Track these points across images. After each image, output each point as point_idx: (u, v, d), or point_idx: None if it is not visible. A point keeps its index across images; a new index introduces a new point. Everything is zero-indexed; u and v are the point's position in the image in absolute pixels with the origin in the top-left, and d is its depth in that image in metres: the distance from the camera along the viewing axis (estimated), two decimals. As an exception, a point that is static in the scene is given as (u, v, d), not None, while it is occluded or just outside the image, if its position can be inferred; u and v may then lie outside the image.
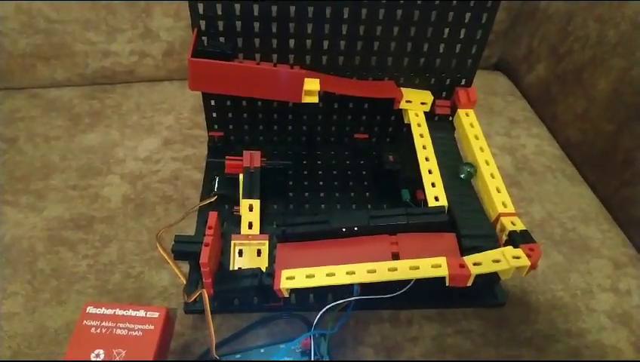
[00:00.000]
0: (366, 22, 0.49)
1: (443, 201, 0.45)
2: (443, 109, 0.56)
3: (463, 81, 0.55)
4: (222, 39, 0.49)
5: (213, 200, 0.51)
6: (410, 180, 0.52)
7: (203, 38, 0.49)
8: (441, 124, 0.55)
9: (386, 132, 0.60)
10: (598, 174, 0.60)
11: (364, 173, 0.58)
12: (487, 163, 0.49)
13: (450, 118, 0.56)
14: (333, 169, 0.58)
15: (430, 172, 0.48)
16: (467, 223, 0.44)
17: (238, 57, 0.50)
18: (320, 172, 0.58)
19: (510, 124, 0.68)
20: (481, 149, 0.51)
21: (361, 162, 0.59)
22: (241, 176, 0.50)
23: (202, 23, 0.48)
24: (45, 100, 0.65)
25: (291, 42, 0.50)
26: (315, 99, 0.49)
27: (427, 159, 0.49)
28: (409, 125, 0.53)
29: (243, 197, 0.48)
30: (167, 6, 0.63)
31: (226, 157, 0.52)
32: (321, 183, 0.56)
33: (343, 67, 0.52)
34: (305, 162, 0.58)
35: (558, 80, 0.66)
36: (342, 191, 0.56)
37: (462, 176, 0.49)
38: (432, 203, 0.45)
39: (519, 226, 0.44)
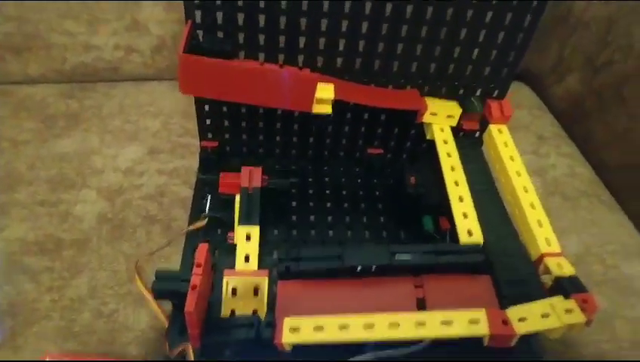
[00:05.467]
0: (390, 20, 0.42)
1: (478, 237, 0.38)
2: (471, 124, 0.49)
3: (495, 92, 0.48)
4: (220, 34, 0.42)
5: (203, 223, 0.43)
6: (432, 205, 0.45)
7: (198, 32, 0.42)
8: (470, 141, 0.48)
9: (404, 147, 0.53)
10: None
11: (377, 193, 0.51)
12: (525, 190, 0.42)
13: (478, 134, 0.49)
14: (343, 188, 0.51)
15: (461, 199, 0.41)
16: (506, 264, 0.38)
17: (238, 56, 0.43)
18: (328, 191, 0.50)
19: (538, 141, 0.61)
20: (518, 173, 0.44)
21: (375, 181, 0.52)
22: (237, 197, 0.42)
23: (198, 14, 0.41)
24: (16, 98, 0.58)
25: (302, 40, 0.43)
26: (327, 109, 0.42)
27: (457, 183, 0.42)
28: (432, 141, 0.47)
29: (239, 223, 0.40)
30: (158, -6, 0.56)
31: (221, 173, 0.44)
32: (329, 205, 0.49)
33: (360, 72, 0.45)
34: (311, 180, 0.51)
35: (594, 94, 0.60)
36: (353, 214, 0.48)
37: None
38: (464, 238, 0.38)
39: (568, 270, 0.37)
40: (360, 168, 0.53)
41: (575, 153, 0.61)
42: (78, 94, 0.59)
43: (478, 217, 0.40)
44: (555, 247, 0.39)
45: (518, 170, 0.44)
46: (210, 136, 0.50)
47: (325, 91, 0.41)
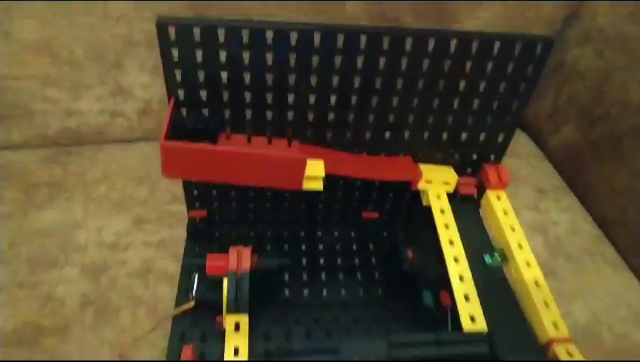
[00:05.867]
0: (381, 92, 0.40)
1: (481, 324, 0.36)
2: (468, 188, 0.47)
3: (492, 156, 0.47)
4: (205, 111, 0.40)
5: (190, 306, 0.41)
6: (431, 279, 0.43)
7: (182, 108, 0.40)
8: (468, 209, 0.46)
9: (399, 210, 0.51)
10: (646, 261, 0.52)
11: (373, 261, 0.49)
12: (528, 265, 0.40)
13: (475, 197, 0.48)
14: (338, 256, 0.49)
15: (462, 279, 0.39)
16: (512, 353, 0.35)
17: (224, 130, 0.41)
18: (322, 260, 0.48)
19: (538, 195, 0.60)
20: (520, 246, 0.42)
21: (371, 247, 0.50)
22: (225, 282, 0.40)
23: (181, 92, 0.39)
24: (-3, 166, 0.56)
25: (290, 114, 0.41)
26: (319, 186, 0.40)
27: (456, 260, 0.40)
28: (429, 208, 0.45)
29: (227, 312, 0.38)
30: (143, 60, 0.54)
31: (208, 255, 0.42)
32: (323, 277, 0.47)
33: (351, 142, 0.44)
34: (304, 247, 0.49)
35: (592, 146, 0.58)
36: (348, 286, 0.46)
37: (489, 263, 0.42)
38: (466, 325, 0.36)
39: (577, 358, 0.35)
40: (355, 232, 0.51)
41: (576, 206, 0.59)
42: (62, 159, 0.56)
43: (480, 296, 0.38)
44: (564, 332, 0.36)
45: (520, 242, 0.42)
46: (198, 205, 0.48)
47: (316, 168, 0.39)
